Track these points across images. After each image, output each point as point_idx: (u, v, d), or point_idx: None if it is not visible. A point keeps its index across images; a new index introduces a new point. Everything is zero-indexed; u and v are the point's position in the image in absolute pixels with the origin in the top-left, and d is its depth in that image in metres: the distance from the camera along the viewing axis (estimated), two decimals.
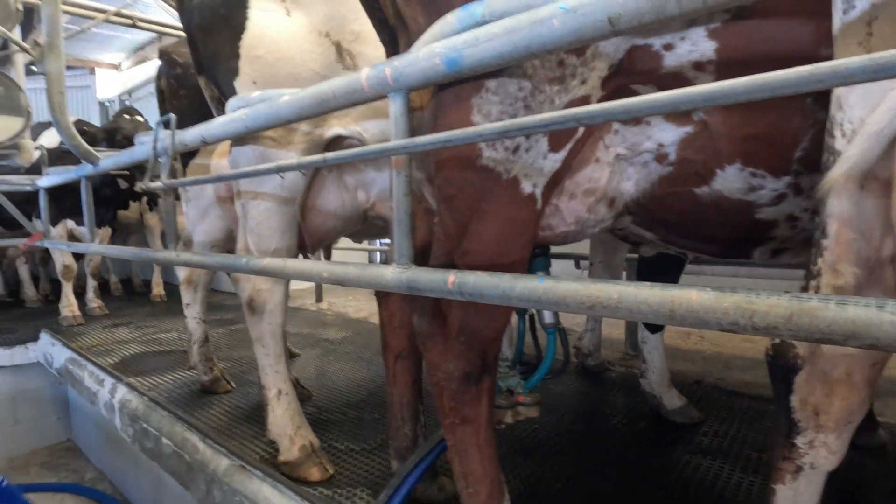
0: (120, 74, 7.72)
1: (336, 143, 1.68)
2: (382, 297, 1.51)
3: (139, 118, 3.96)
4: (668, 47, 0.94)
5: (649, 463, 1.73)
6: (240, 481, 1.67)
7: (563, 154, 1.00)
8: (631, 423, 2.05)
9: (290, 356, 3.06)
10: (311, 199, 1.75)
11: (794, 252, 1.21)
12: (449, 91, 0.99)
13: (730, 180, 1.02)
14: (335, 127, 1.65)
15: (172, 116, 1.66)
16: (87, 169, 2.52)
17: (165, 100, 2.37)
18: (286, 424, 1.72)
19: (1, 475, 1.46)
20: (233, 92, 1.65)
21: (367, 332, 3.69)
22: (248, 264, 1.39)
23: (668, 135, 1.03)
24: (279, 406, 1.73)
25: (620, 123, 1.07)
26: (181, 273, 2.49)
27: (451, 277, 0.93)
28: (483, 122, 0.95)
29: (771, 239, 1.13)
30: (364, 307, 4.68)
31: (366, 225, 1.97)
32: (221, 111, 1.96)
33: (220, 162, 1.94)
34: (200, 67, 1.74)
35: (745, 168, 1.00)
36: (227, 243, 2.46)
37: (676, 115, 1.01)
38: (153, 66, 7.02)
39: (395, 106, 1.00)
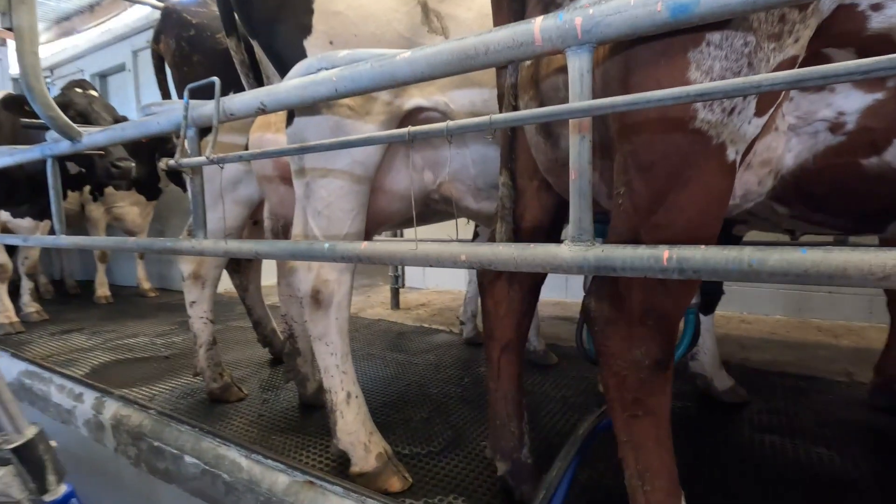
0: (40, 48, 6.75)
1: (413, 115, 1.51)
2: (488, 283, 1.37)
3: (93, 93, 3.45)
4: (877, 7, 0.90)
5: (714, 442, 1.74)
6: (311, 499, 1.46)
7: (764, 119, 0.93)
8: (685, 406, 2.05)
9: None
10: (379, 178, 1.56)
11: None
12: (650, 45, 0.88)
13: None
14: (416, 97, 1.48)
15: (216, 80, 1.41)
16: (60, 147, 2.13)
17: (171, 66, 2.05)
18: (359, 431, 1.53)
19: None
20: (298, 54, 1.43)
21: (372, 330, 3.48)
22: (349, 250, 1.20)
23: (853, 102, 0.99)
24: (349, 411, 1.54)
25: (797, 90, 1.02)
26: (187, 267, 2.17)
27: (666, 253, 0.83)
28: (703, 79, 0.86)
29: None
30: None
31: (422, 210, 1.81)
32: (256, 79, 1.72)
33: (264, 136, 1.68)
34: (252, 25, 1.50)
35: None
36: (242, 232, 2.19)
37: (869, 80, 0.98)
38: (84, 39, 6.22)
39: (578, 62, 0.88)
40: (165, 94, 2.42)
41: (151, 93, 5.26)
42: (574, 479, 1.19)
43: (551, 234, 1.35)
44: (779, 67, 0.89)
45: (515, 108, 1.27)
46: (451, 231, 3.56)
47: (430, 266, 1.15)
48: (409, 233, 4.09)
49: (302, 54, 1.43)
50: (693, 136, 0.88)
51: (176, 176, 4.37)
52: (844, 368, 2.39)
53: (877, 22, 0.91)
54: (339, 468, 1.60)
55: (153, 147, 4.27)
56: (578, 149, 0.92)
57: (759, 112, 0.92)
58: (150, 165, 4.47)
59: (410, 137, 1.05)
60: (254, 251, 1.42)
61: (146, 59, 5.38)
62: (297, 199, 1.53)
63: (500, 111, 1.34)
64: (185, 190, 4.40)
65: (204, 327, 2.22)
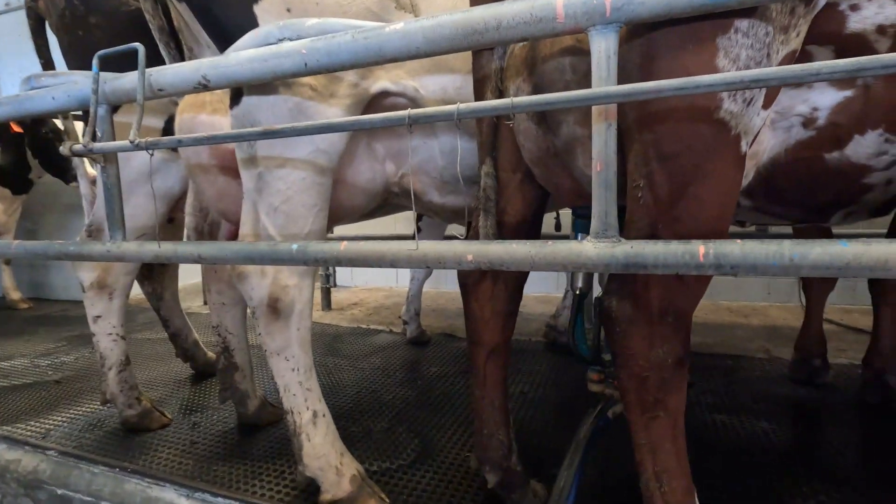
0: None
1: (378, 101, 1.36)
2: (472, 284, 1.27)
3: None
4: (855, 7, 0.93)
5: None
6: None
7: (768, 112, 0.93)
8: None
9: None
10: (338, 169, 1.39)
11: (857, 216, 1.35)
12: (676, 30, 0.84)
13: (864, 145, 1.07)
14: (382, 80, 1.33)
15: (140, 47, 1.16)
16: None
17: (57, 29, 1.66)
18: (328, 453, 1.36)
19: None
20: (245, 21, 1.22)
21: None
22: (326, 252, 1.04)
23: (827, 98, 1.04)
24: (317, 432, 1.36)
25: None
26: (88, 275, 1.80)
27: (702, 248, 0.80)
28: (731, 67, 0.83)
29: (857, 203, 1.23)
30: None
31: (379, 204, 1.66)
32: (177, 53, 1.46)
33: (197, 117, 1.42)
34: None
35: (884, 133, 1.06)
36: (157, 231, 1.87)
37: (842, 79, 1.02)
38: None
39: (604, 43, 0.82)
40: (47, 65, 2.00)
41: (12, 64, 4.40)
42: (580, 486, 1.14)
43: (533, 229, 1.29)
44: (782, 61, 0.90)
45: (501, 95, 1.18)
46: (377, 227, 3.40)
47: (431, 268, 1.03)
48: (337, 230, 3.87)
49: (251, 22, 1.22)
50: (716, 127, 0.85)
51: (54, 165, 3.71)
52: (762, 346, 2.65)
53: (854, 21, 0.94)
54: (305, 497, 1.42)
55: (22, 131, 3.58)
56: (605, 137, 0.86)
57: (766, 104, 0.91)
58: (16, 153, 3.76)
59: (411, 121, 0.92)
60: (196, 254, 1.19)
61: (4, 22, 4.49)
62: (246, 193, 1.31)
63: (479, 99, 1.25)
64: (67, 181, 3.75)
65: (114, 346, 1.87)
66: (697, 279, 0.94)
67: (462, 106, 0.89)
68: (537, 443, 1.68)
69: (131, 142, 1.18)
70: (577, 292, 1.19)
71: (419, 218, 2.86)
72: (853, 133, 1.05)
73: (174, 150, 1.63)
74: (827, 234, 2.08)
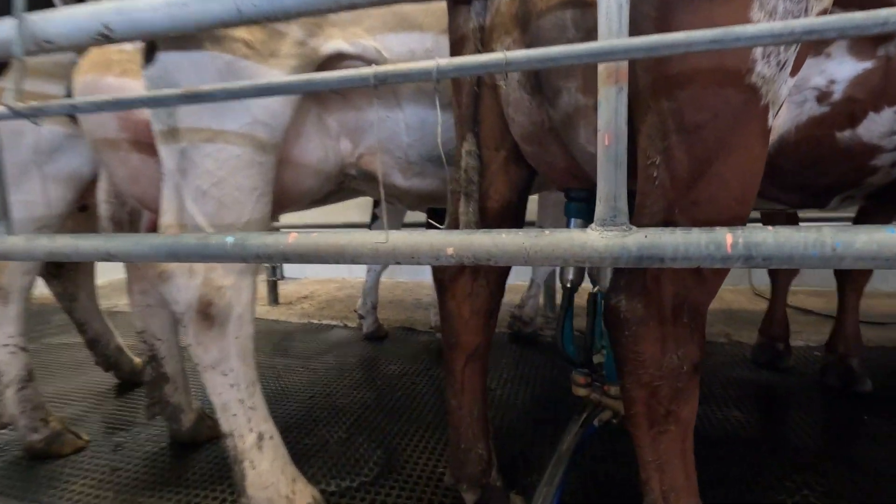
0: None
1: (331, 64, 1.15)
2: (448, 280, 1.10)
3: None
4: None
5: None
6: None
7: (793, 81, 0.81)
8: None
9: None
10: (285, 146, 1.17)
11: (854, 200, 1.29)
12: None
13: (879, 123, 0.99)
14: (336, 39, 1.12)
15: None
16: None
17: None
18: (278, 481, 1.16)
19: None
20: None
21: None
22: (269, 246, 0.84)
23: (846, 69, 0.94)
24: (263, 458, 1.15)
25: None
26: None
27: (730, 237, 0.67)
28: (766, 21, 0.69)
29: (859, 186, 1.16)
30: None
31: (333, 189, 1.45)
32: None
33: (102, 79, 1.14)
34: None
35: None
36: (63, 222, 1.56)
37: (862, 48, 0.92)
38: None
39: None
40: None
41: None
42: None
43: (518, 216, 1.13)
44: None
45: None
46: (326, 215, 3.11)
47: (403, 263, 0.85)
48: (283, 218, 3.58)
49: None
50: (746, 94, 0.72)
51: None
52: (722, 330, 2.65)
53: None
54: None
55: None
56: (614, 104, 0.70)
57: (793, 72, 0.79)
58: None
59: (377, 82, 0.73)
60: (103, 250, 0.95)
61: None
62: (167, 175, 1.07)
63: None
64: None
65: (11, 359, 1.56)
66: (716, 272, 0.81)
67: (443, 61, 0.71)
68: (510, 447, 1.55)
69: (9, 108, 0.91)
70: (568, 286, 1.05)
71: (375, 204, 2.65)
72: (868, 110, 0.96)
73: (72, 119, 1.34)
74: (792, 220, 2.07)
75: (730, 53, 0.69)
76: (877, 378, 1.90)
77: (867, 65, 0.93)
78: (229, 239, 0.89)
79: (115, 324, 2.23)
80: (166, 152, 1.04)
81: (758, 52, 0.70)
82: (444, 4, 1.13)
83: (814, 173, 1.10)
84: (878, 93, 0.94)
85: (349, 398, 2.01)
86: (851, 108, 0.96)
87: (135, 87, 1.13)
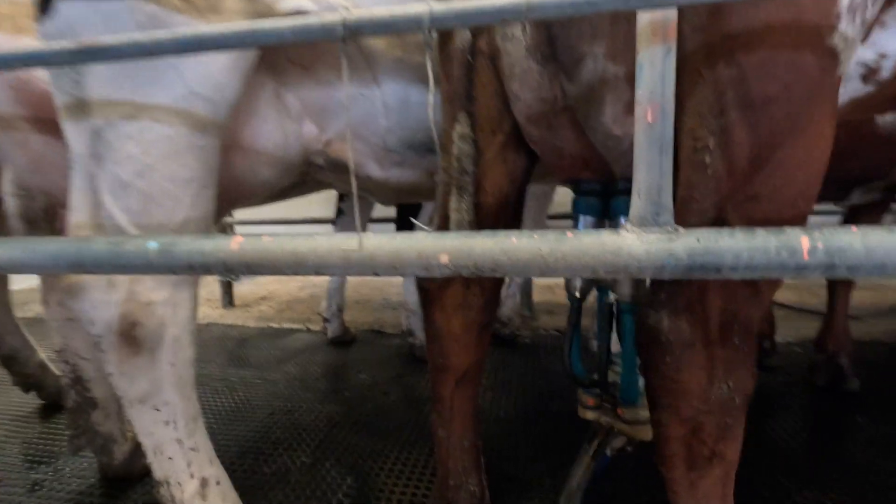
0: None
1: None
2: (436, 289, 0.92)
3: None
4: None
5: None
6: None
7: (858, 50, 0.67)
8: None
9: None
10: (233, 127, 0.96)
11: (873, 194, 1.19)
12: None
13: None
14: None
15: None
16: None
17: None
18: None
19: None
20: None
21: (202, 339, 2.66)
22: (207, 254, 0.64)
23: None
24: None
25: None
26: None
27: (806, 241, 0.53)
28: None
29: (885, 178, 1.06)
30: None
31: (295, 181, 1.24)
32: None
33: (8, 41, 0.88)
34: None
35: None
36: None
37: None
38: None
39: None
40: None
41: None
42: None
43: (517, 212, 0.97)
44: None
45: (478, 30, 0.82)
46: (284, 209, 2.83)
47: (383, 276, 0.67)
48: (240, 213, 3.28)
49: None
50: (825, 59, 0.57)
51: None
52: None
53: None
54: None
55: None
56: (660, 69, 0.54)
57: (863, 40, 0.66)
58: None
59: (346, 33, 0.54)
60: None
61: None
62: (76, 161, 0.83)
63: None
64: None
65: None
66: (771, 281, 0.67)
67: (438, 5, 0.52)
68: (498, 471, 1.39)
69: None
70: (577, 294, 0.90)
71: (342, 198, 2.43)
72: None
73: None
74: None
75: (812, 4, 0.54)
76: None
77: None
78: (152, 244, 0.68)
79: (37, 335, 1.93)
80: (74, 132, 0.81)
81: (844, 3, 0.55)
82: None
83: (844, 163, 0.98)
84: None
85: (314, 414, 1.81)
86: None
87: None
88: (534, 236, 0.60)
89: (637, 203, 0.58)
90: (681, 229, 0.57)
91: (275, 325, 2.86)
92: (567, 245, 0.59)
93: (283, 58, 1.01)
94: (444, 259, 0.62)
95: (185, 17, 0.79)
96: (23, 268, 0.73)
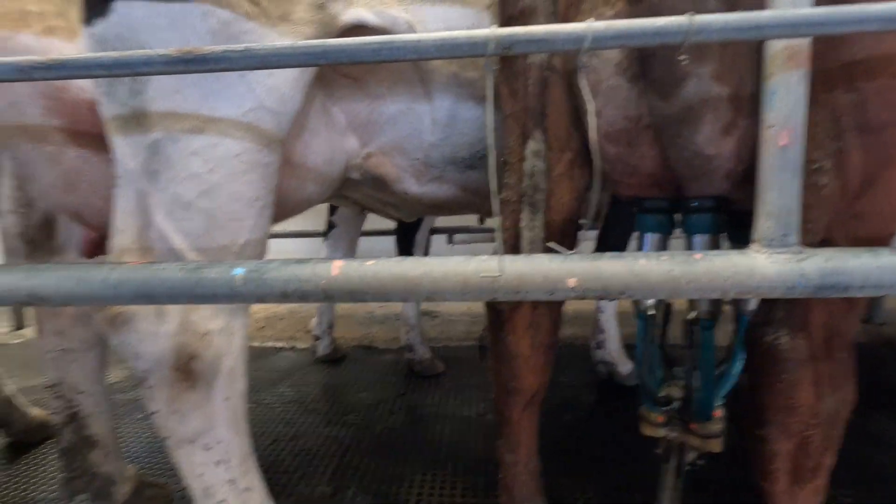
0: None
1: (352, 35, 0.90)
2: (508, 312, 0.90)
3: None
4: None
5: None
6: None
7: None
8: (587, 392, 1.95)
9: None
10: (288, 141, 0.90)
11: None
12: None
13: None
14: (357, 6, 0.88)
15: None
16: None
17: None
18: None
19: None
20: None
21: None
22: (305, 279, 0.60)
23: None
24: None
25: None
26: None
27: None
28: None
29: None
30: None
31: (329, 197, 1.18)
32: None
33: (13, 38, 0.76)
34: None
35: None
36: None
37: None
38: None
39: None
40: None
41: None
42: None
43: (577, 229, 0.96)
44: None
45: None
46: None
47: (502, 299, 0.64)
48: None
49: None
50: None
51: None
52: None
53: None
54: None
55: None
56: (795, 94, 0.56)
57: None
58: None
59: (498, 50, 0.52)
60: (26, 290, 0.65)
61: None
62: (124, 178, 0.75)
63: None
64: None
65: None
66: (863, 298, 0.70)
67: (597, 25, 0.51)
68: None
69: None
70: (648, 313, 0.90)
71: (332, 210, 2.35)
72: None
73: None
74: None
75: None
76: None
77: None
78: (238, 271, 0.63)
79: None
80: (126, 146, 0.73)
81: None
82: None
83: None
84: None
85: (321, 439, 1.72)
86: None
87: (67, 51, 0.79)
88: (662, 258, 0.60)
89: (766, 224, 0.59)
90: (807, 250, 0.58)
91: (257, 344, 2.72)
92: (699, 267, 0.59)
93: (332, 69, 0.97)
94: (572, 282, 0.60)
95: (256, 24, 0.74)
96: (75, 299, 0.65)
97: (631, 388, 2.00)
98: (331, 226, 2.36)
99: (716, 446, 0.88)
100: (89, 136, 0.78)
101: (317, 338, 2.43)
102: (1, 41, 0.74)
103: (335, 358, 2.46)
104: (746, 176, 0.76)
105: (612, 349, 2.02)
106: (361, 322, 3.11)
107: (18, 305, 0.85)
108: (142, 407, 1.97)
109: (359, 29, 0.89)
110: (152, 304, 0.73)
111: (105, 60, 0.54)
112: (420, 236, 2.21)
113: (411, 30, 0.91)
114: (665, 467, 0.92)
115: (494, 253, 0.65)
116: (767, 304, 0.69)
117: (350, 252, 2.35)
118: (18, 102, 0.75)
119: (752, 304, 0.86)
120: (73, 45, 0.76)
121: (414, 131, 1.05)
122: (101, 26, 0.70)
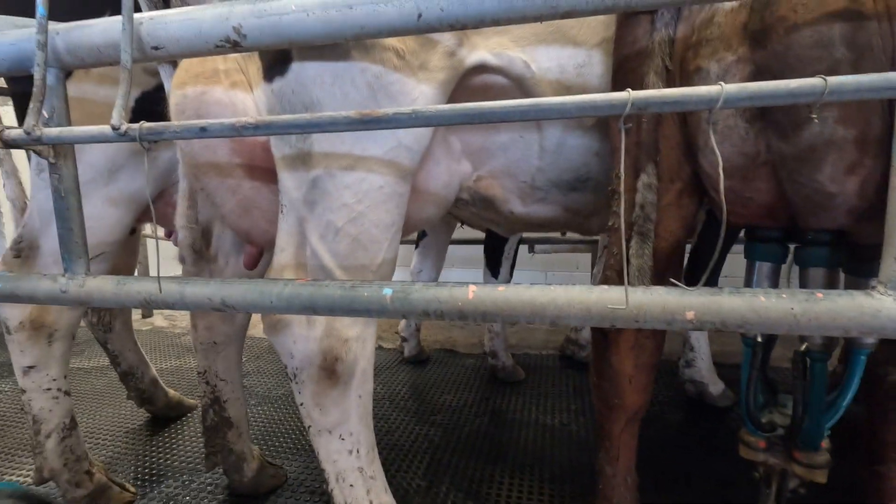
0: None
1: (469, 78, 1.00)
2: (614, 334, 0.95)
3: None
4: None
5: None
6: None
7: None
8: (671, 410, 1.92)
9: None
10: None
11: None
12: None
13: None
14: (480, 49, 0.97)
15: None
16: None
17: None
18: None
19: None
20: None
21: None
22: (443, 300, 0.69)
23: None
24: None
25: None
26: (14, 311, 1.28)
27: None
28: None
29: None
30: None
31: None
32: None
33: (208, 92, 0.95)
34: None
35: None
36: (120, 248, 1.37)
37: None
38: None
39: None
40: None
41: None
42: None
43: (683, 258, 1.00)
44: None
45: (669, 76, 0.86)
46: None
47: (636, 328, 0.70)
48: None
49: None
50: None
51: None
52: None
53: None
54: None
55: None
56: None
57: None
58: None
59: (634, 110, 0.58)
60: (218, 299, 0.79)
61: None
62: (288, 206, 0.90)
63: (622, 84, 0.92)
64: None
65: (54, 405, 1.36)
66: None
67: (730, 88, 0.56)
68: None
69: (114, 128, 0.74)
70: (759, 340, 0.92)
71: None
72: None
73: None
74: None
75: None
76: None
77: None
78: (387, 291, 0.73)
79: (146, 348, 2.02)
80: (292, 181, 0.88)
81: None
82: (600, 16, 0.99)
83: None
84: None
85: (413, 436, 1.85)
86: None
87: (246, 103, 0.95)
88: (783, 295, 0.63)
89: (893, 267, 0.61)
90: None
91: None
92: (821, 306, 0.62)
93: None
94: (690, 315, 0.65)
95: (401, 75, 0.85)
96: (257, 308, 0.79)
97: (720, 410, 1.96)
98: (422, 234, 2.50)
99: (821, 477, 0.88)
100: (261, 170, 0.94)
101: (404, 339, 2.58)
102: (200, 95, 0.92)
103: (421, 359, 2.60)
104: (868, 212, 0.76)
105: (703, 368, 1.98)
106: (443, 326, 3.24)
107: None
108: (253, 395, 2.21)
109: (479, 69, 0.98)
110: (313, 315, 0.87)
111: (300, 122, 0.67)
112: (508, 246, 2.29)
113: (526, 68, 0.99)
114: (766, 492, 0.93)
115: (594, 274, 0.71)
116: (890, 342, 0.70)
117: (439, 260, 2.47)
118: (212, 145, 0.93)
119: (871, 339, 0.85)
120: (251, 96, 0.93)
121: (523, 157, 1.13)
122: (279, 83, 0.85)
